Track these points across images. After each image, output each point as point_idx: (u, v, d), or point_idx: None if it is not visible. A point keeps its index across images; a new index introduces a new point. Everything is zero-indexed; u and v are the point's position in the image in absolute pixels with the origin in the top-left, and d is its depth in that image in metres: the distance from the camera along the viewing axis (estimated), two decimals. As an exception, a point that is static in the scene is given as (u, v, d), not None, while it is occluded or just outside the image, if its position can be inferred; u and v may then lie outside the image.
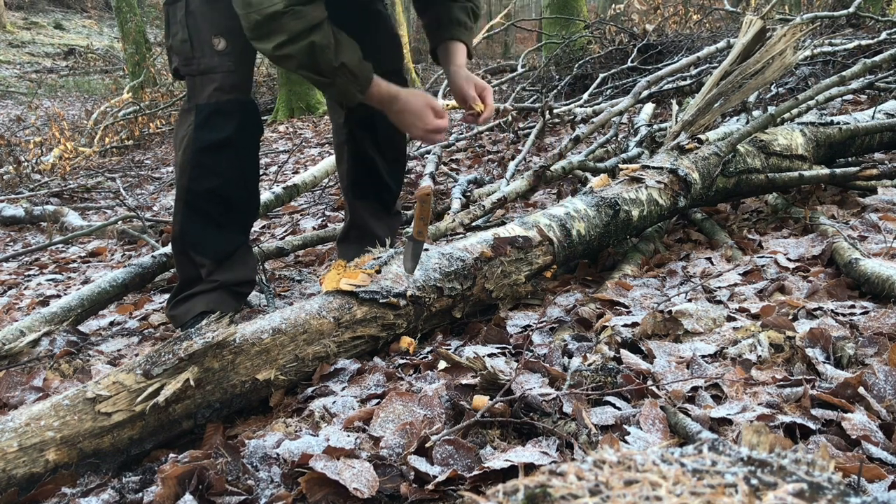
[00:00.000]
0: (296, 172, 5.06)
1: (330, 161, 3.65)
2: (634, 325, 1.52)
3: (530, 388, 1.24)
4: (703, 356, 1.36)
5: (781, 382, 1.21)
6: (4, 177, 5.79)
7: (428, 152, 4.23)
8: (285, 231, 3.38)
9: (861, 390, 1.13)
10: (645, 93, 3.78)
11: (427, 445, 1.09)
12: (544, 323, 1.65)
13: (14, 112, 12.15)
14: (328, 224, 3.34)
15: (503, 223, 2.23)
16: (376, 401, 1.30)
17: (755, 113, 2.94)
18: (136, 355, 1.84)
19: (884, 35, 4.34)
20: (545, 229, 1.86)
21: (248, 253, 2.02)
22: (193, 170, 1.84)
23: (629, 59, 5.59)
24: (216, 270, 1.90)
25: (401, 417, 1.19)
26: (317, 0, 1.59)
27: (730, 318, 1.52)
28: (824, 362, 1.26)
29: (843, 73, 2.83)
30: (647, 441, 1.08)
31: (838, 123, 2.51)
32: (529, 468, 1.01)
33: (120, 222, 3.69)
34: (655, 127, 3.33)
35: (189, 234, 1.89)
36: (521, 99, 5.76)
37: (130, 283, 2.25)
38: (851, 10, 4.75)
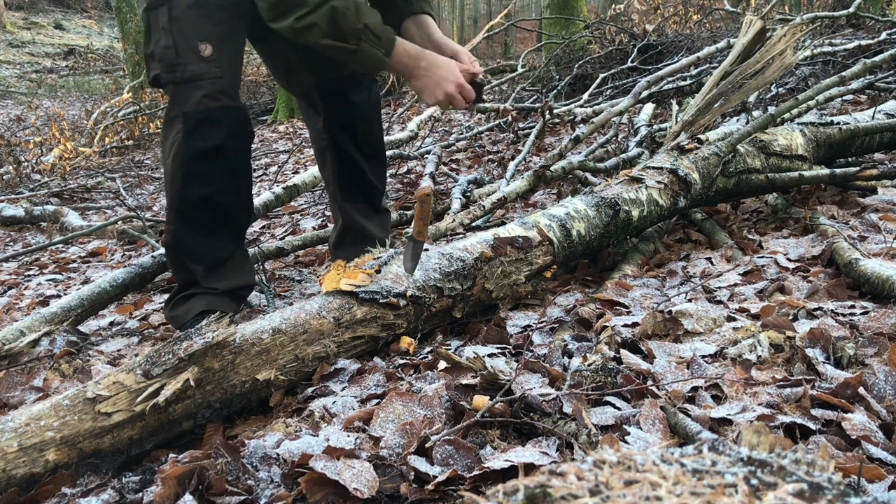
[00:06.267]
0: (296, 172, 5.06)
1: (330, 161, 3.64)
2: (634, 325, 1.52)
3: (530, 389, 1.24)
4: (703, 356, 1.36)
5: (781, 382, 1.21)
6: (4, 177, 5.79)
7: (428, 152, 4.23)
8: (285, 231, 3.38)
9: (861, 390, 1.13)
10: (645, 93, 3.78)
11: (427, 445, 1.09)
12: (544, 323, 1.65)
13: (14, 112, 12.16)
14: (328, 224, 3.34)
15: (503, 223, 2.23)
16: (376, 401, 1.30)
17: (755, 113, 2.94)
18: (136, 355, 1.84)
19: (884, 35, 4.35)
20: (545, 229, 1.86)
21: (244, 257, 2.01)
22: (184, 178, 1.81)
23: (629, 60, 5.59)
24: (211, 278, 1.89)
25: (401, 417, 1.19)
26: None
27: (730, 319, 1.51)
28: (824, 362, 1.26)
29: (843, 73, 2.83)
30: (647, 441, 1.08)
31: (838, 123, 2.51)
32: (529, 468, 1.01)
33: (120, 222, 3.69)
34: (655, 127, 3.33)
35: (182, 243, 1.88)
36: (521, 99, 5.75)
37: (130, 283, 2.25)
38: (851, 10, 4.75)
